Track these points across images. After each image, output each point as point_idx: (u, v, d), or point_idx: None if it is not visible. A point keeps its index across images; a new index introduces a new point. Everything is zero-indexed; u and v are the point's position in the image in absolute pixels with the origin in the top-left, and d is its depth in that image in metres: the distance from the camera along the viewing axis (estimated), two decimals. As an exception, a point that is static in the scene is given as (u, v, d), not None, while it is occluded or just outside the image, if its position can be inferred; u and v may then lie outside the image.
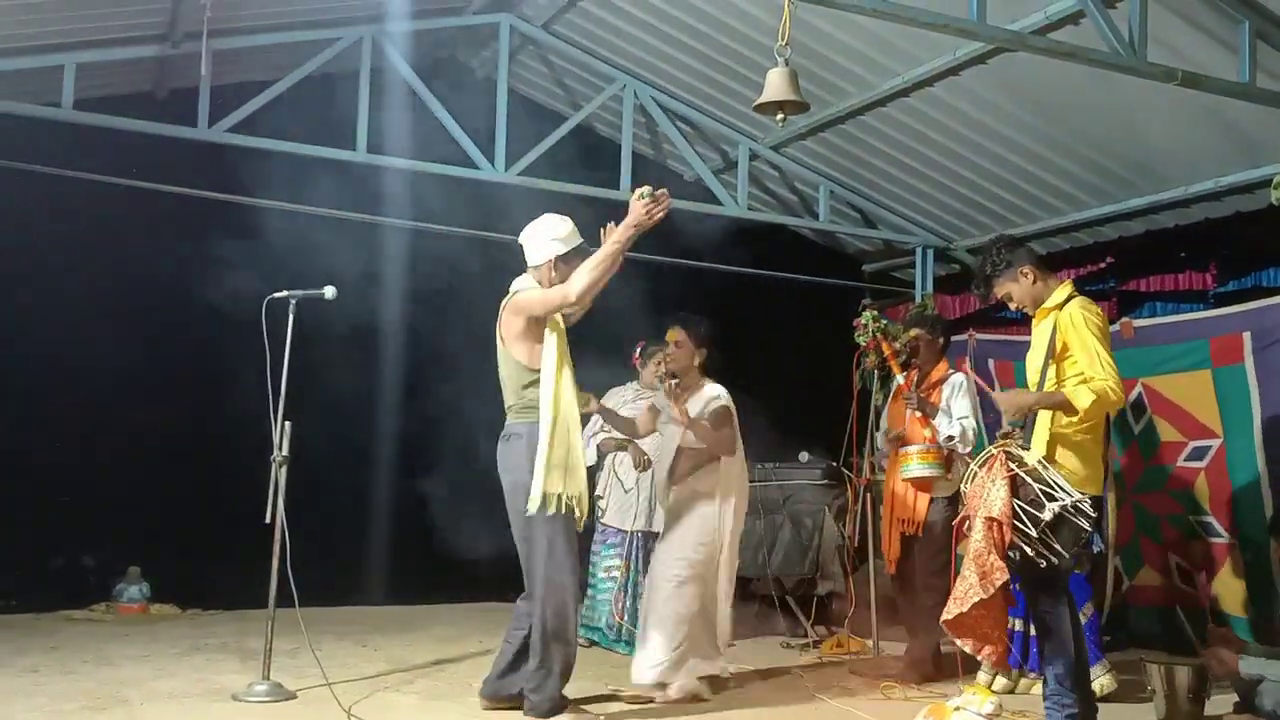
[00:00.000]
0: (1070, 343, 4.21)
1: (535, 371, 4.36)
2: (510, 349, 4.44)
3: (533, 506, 4.26)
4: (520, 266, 4.58)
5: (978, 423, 5.68)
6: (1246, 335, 6.11)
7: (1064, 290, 4.36)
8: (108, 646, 5.71)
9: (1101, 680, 5.02)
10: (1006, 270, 4.40)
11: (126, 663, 5.31)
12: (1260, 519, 5.99)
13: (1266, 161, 6.00)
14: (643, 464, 6.01)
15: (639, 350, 6.45)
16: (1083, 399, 4.08)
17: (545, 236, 4.50)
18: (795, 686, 5.30)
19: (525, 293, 4.44)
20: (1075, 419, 4.12)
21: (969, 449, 5.40)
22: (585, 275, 4.29)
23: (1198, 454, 6.36)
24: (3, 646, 5.56)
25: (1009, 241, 4.56)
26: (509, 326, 4.43)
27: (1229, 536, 6.17)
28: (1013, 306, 4.49)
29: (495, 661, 4.57)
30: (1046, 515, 3.92)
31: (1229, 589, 6.14)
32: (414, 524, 7.11)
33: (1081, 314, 4.22)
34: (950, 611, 4.05)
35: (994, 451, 4.16)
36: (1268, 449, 5.98)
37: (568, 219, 4.56)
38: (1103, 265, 7.36)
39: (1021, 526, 3.95)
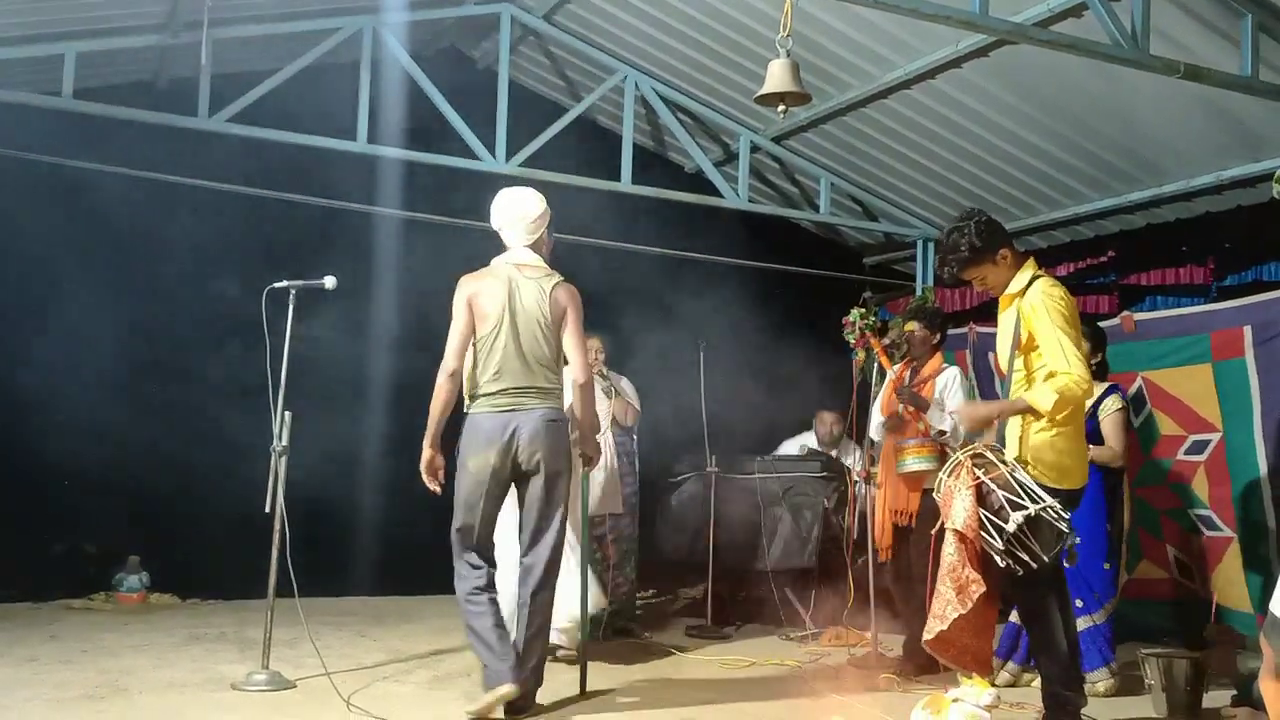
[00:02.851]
0: (1034, 332, 4.00)
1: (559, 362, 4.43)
2: (555, 331, 4.41)
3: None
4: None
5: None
6: (1247, 329, 6.10)
7: (1026, 273, 4.13)
8: (107, 636, 5.71)
9: (1107, 683, 5.02)
10: (985, 252, 4.13)
11: (126, 652, 5.32)
12: (1260, 513, 6.00)
13: (1268, 155, 5.99)
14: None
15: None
16: (1045, 401, 3.89)
17: (539, 210, 4.53)
18: (794, 678, 5.31)
19: (577, 300, 4.46)
20: (1044, 419, 3.96)
21: (960, 442, 5.39)
22: (591, 406, 4.58)
23: (1197, 448, 6.36)
24: (2, 635, 5.57)
25: (985, 219, 4.19)
26: (561, 310, 4.41)
27: (1228, 530, 6.17)
28: (979, 288, 4.25)
29: (504, 646, 4.30)
30: (1010, 526, 3.79)
31: (1228, 583, 6.14)
32: (414, 515, 7.11)
33: (1044, 300, 3.99)
34: (931, 629, 3.97)
35: (960, 458, 4.00)
36: (1267, 442, 5.98)
37: (528, 188, 4.63)
38: (1103, 259, 7.35)
39: (988, 537, 3.85)
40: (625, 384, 6.41)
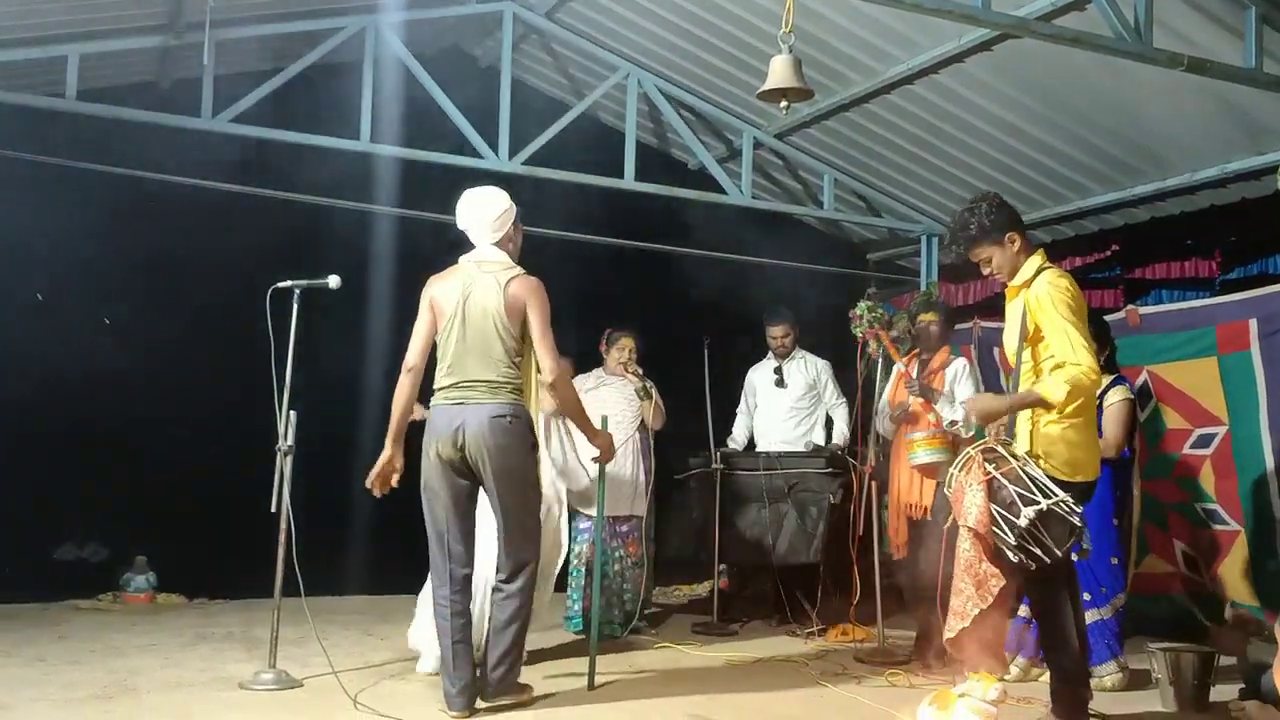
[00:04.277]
0: (1041, 324, 4.00)
1: (519, 355, 4.39)
2: (511, 324, 4.36)
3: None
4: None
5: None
6: (1252, 322, 6.09)
7: (1033, 264, 4.12)
8: (115, 636, 5.73)
9: (1114, 677, 5.01)
10: (993, 233, 4.13)
11: (133, 652, 5.33)
12: (1266, 505, 5.98)
13: (1272, 148, 5.98)
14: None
15: (604, 336, 6.47)
16: (1056, 393, 3.87)
17: (500, 209, 4.49)
18: (800, 674, 5.31)
19: (538, 294, 4.39)
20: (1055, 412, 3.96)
21: (972, 433, 5.38)
22: (571, 402, 4.58)
23: (1203, 441, 6.35)
24: (10, 636, 5.58)
25: (998, 202, 4.21)
26: (519, 304, 4.37)
27: (1235, 524, 6.16)
28: (986, 271, 4.23)
29: (462, 665, 4.32)
30: (1022, 521, 3.77)
31: (1235, 576, 6.14)
32: (419, 513, 7.12)
33: (1049, 292, 3.99)
34: (953, 628, 3.96)
35: (971, 453, 3.98)
36: (1274, 435, 5.97)
37: (494, 187, 4.60)
38: (1108, 253, 7.34)
39: (1000, 533, 3.83)
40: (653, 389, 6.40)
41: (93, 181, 6.46)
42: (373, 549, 7.27)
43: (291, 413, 4.73)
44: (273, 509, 4.64)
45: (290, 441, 4.71)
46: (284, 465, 4.68)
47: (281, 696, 4.52)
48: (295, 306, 4.81)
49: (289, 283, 4.83)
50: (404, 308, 7.31)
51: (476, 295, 4.38)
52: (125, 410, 6.78)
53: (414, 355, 4.47)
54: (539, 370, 4.40)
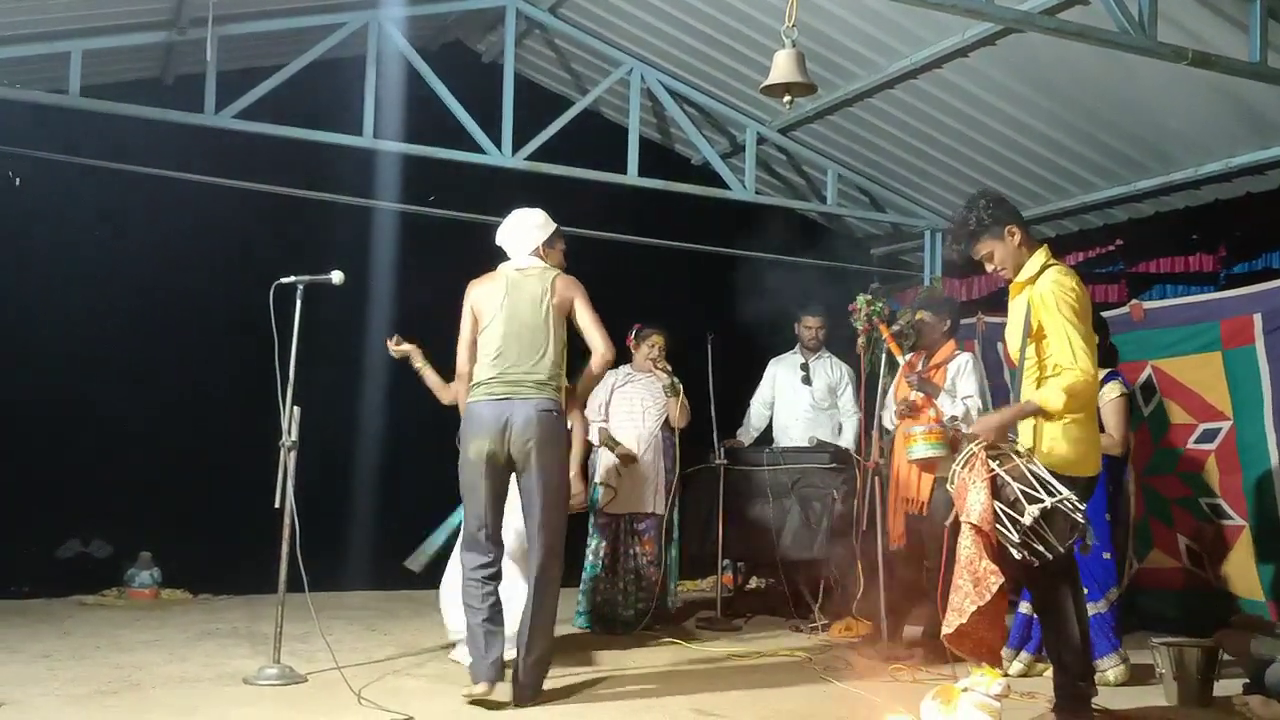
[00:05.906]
0: (1044, 324, 4.01)
1: (559, 352, 4.50)
2: (559, 318, 4.49)
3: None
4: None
5: (984, 403, 5.65)
6: (1257, 317, 6.08)
7: (1038, 260, 4.12)
8: (119, 631, 5.74)
9: (1116, 670, 5.00)
10: (993, 227, 4.15)
11: (138, 647, 5.34)
12: (1271, 500, 5.98)
13: (1278, 142, 5.97)
14: (628, 457, 6.28)
15: (633, 333, 6.49)
16: (1054, 401, 3.91)
17: (532, 221, 4.66)
18: (804, 669, 5.31)
19: (582, 288, 4.57)
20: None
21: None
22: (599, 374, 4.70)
23: (1208, 436, 6.34)
24: (15, 631, 5.60)
25: (996, 197, 4.27)
26: (567, 300, 4.51)
27: (1239, 519, 6.15)
28: (989, 267, 4.24)
29: (492, 642, 4.36)
30: (1026, 519, 3.78)
31: (1240, 571, 6.13)
32: (424, 509, 7.13)
33: (1054, 291, 3.99)
34: (950, 624, 3.96)
35: (974, 450, 3.99)
36: (1278, 431, 5.95)
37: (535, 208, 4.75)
38: (1112, 248, 7.33)
39: (1004, 530, 3.84)
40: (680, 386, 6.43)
41: (95, 178, 6.46)
42: (376, 544, 7.29)
43: (295, 408, 4.73)
44: (276, 504, 4.64)
45: (294, 437, 4.71)
46: (288, 461, 4.69)
47: (286, 692, 4.52)
48: (299, 302, 4.81)
49: (292, 278, 4.83)
50: (407, 303, 7.40)
51: (524, 291, 4.49)
52: (129, 406, 6.78)
53: (464, 363, 4.62)
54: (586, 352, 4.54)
